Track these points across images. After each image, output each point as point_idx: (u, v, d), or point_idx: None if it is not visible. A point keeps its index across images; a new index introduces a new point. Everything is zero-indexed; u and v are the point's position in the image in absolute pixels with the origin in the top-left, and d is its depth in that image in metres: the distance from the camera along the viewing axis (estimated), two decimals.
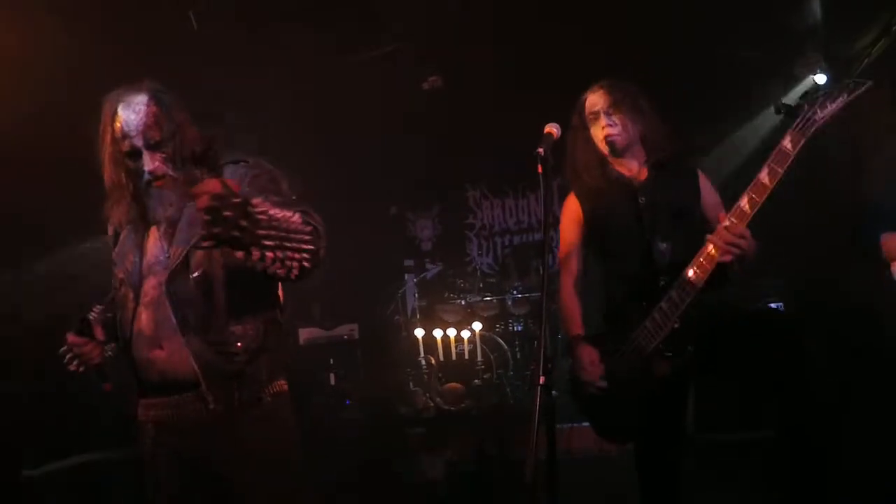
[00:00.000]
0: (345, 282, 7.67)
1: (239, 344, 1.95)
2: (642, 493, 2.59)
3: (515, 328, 6.65)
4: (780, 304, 5.15)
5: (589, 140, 2.66)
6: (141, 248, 2.05)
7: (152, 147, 1.95)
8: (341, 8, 4.26)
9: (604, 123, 2.59)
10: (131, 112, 1.95)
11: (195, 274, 1.96)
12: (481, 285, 6.90)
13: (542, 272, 2.18)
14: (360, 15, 4.33)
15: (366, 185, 7.40)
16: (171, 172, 1.97)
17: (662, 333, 2.43)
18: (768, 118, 5.87)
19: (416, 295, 6.90)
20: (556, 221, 2.67)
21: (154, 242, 2.05)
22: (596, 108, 2.62)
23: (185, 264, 1.96)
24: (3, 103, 3.86)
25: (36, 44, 3.69)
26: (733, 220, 2.31)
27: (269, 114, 5.37)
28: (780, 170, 2.26)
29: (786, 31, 4.83)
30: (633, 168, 2.64)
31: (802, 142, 2.25)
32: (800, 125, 2.26)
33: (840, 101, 2.23)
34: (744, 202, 2.30)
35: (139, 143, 1.95)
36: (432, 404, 5.42)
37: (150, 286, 2.00)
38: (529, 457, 1.89)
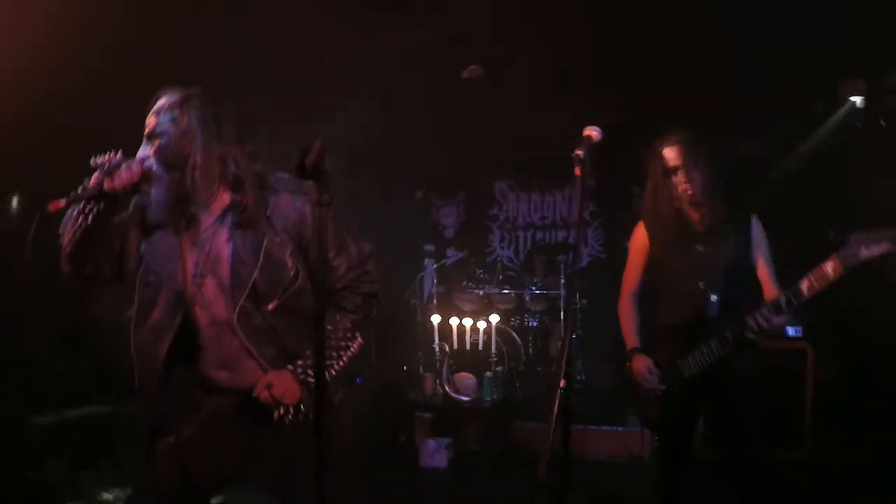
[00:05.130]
0: None
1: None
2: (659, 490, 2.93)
3: (530, 323, 6.66)
4: (799, 327, 5.16)
5: (669, 191, 2.87)
6: (179, 252, 2.04)
7: (147, 137, 1.99)
8: None
9: (682, 180, 2.82)
10: (156, 103, 2.00)
11: (270, 306, 2.01)
12: (500, 277, 6.91)
13: (569, 274, 2.19)
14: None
15: (395, 167, 7.42)
16: (154, 168, 1.95)
17: (705, 364, 2.78)
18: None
19: (435, 281, 6.93)
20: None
21: (189, 250, 2.04)
22: (674, 164, 2.84)
23: (252, 295, 2.00)
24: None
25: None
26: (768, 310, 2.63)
27: (307, 86, 5.40)
28: (817, 287, 2.52)
29: (829, 53, 4.77)
30: (696, 215, 2.87)
31: (841, 271, 2.46)
32: (843, 254, 2.47)
33: (882, 248, 2.43)
34: (782, 300, 2.60)
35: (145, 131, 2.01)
36: (441, 391, 5.44)
37: (213, 308, 2.03)
38: (544, 456, 1.91)
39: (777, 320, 2.64)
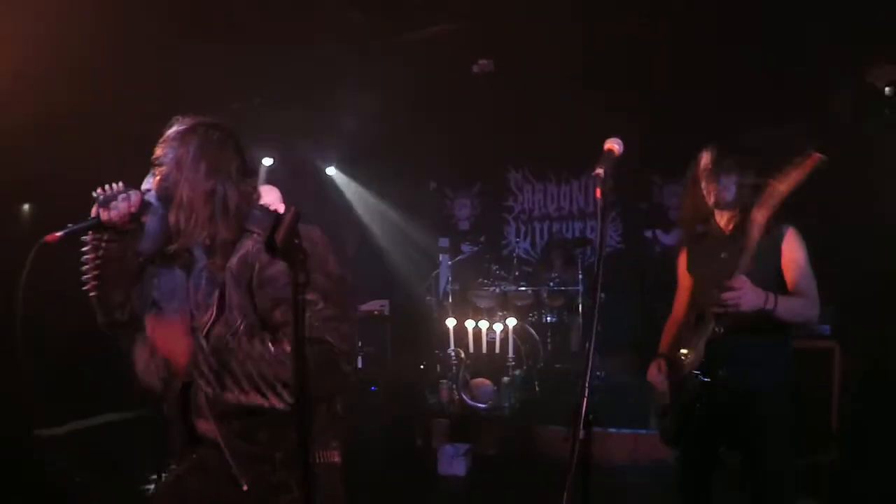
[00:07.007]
0: (377, 256, 7.59)
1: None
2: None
3: (548, 319, 6.52)
4: (827, 326, 5.00)
5: (699, 194, 2.77)
6: (184, 289, 1.91)
7: (152, 166, 1.88)
8: None
9: (714, 185, 2.70)
10: (167, 130, 1.89)
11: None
12: (517, 273, 6.75)
13: (593, 311, 2.03)
14: None
15: (407, 159, 7.25)
16: (153, 200, 1.85)
17: (702, 351, 2.64)
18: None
19: (450, 278, 6.78)
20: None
21: (191, 289, 1.90)
22: (710, 168, 2.72)
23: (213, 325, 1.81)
24: None
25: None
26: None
27: (319, 83, 5.29)
28: (756, 236, 2.50)
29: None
30: (725, 218, 2.76)
31: (769, 214, 2.48)
32: (765, 202, 2.47)
33: (796, 175, 2.42)
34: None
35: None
36: (458, 398, 5.32)
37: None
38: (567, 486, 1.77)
39: (741, 295, 2.45)
